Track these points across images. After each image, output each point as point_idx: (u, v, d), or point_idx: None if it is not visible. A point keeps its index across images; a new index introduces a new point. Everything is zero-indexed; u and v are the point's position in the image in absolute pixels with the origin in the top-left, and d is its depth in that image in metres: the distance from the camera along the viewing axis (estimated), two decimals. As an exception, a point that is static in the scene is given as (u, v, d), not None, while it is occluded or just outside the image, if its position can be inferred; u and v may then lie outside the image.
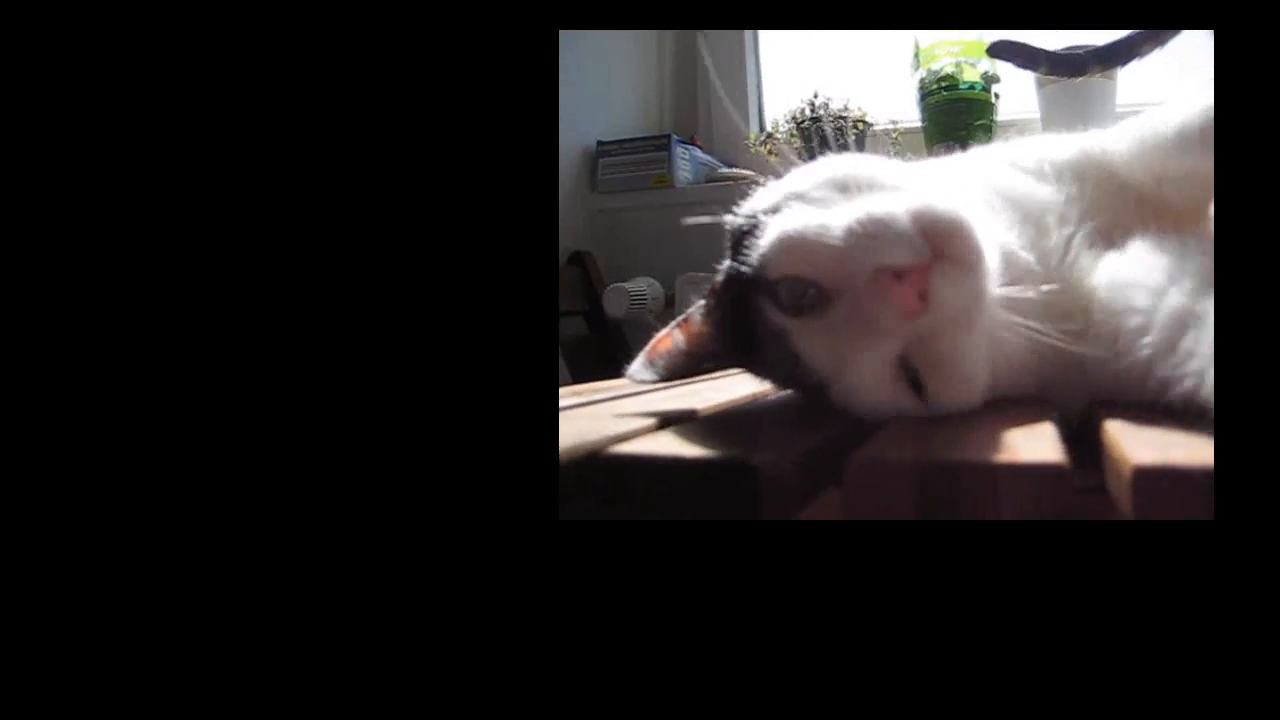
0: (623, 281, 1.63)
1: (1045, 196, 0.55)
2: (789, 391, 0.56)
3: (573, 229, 1.68)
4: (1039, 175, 0.56)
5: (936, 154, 1.55)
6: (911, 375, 0.46)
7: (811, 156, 1.87)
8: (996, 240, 0.50)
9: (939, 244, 0.44)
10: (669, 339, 0.58)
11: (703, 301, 0.56)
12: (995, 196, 0.54)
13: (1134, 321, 0.46)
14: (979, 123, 1.55)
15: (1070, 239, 0.53)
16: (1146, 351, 0.44)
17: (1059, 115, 1.51)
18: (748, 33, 1.91)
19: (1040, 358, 0.50)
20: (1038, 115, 1.57)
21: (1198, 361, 0.41)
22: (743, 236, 0.51)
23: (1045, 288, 0.49)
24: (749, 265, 0.49)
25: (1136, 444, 0.36)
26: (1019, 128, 1.61)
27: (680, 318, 0.58)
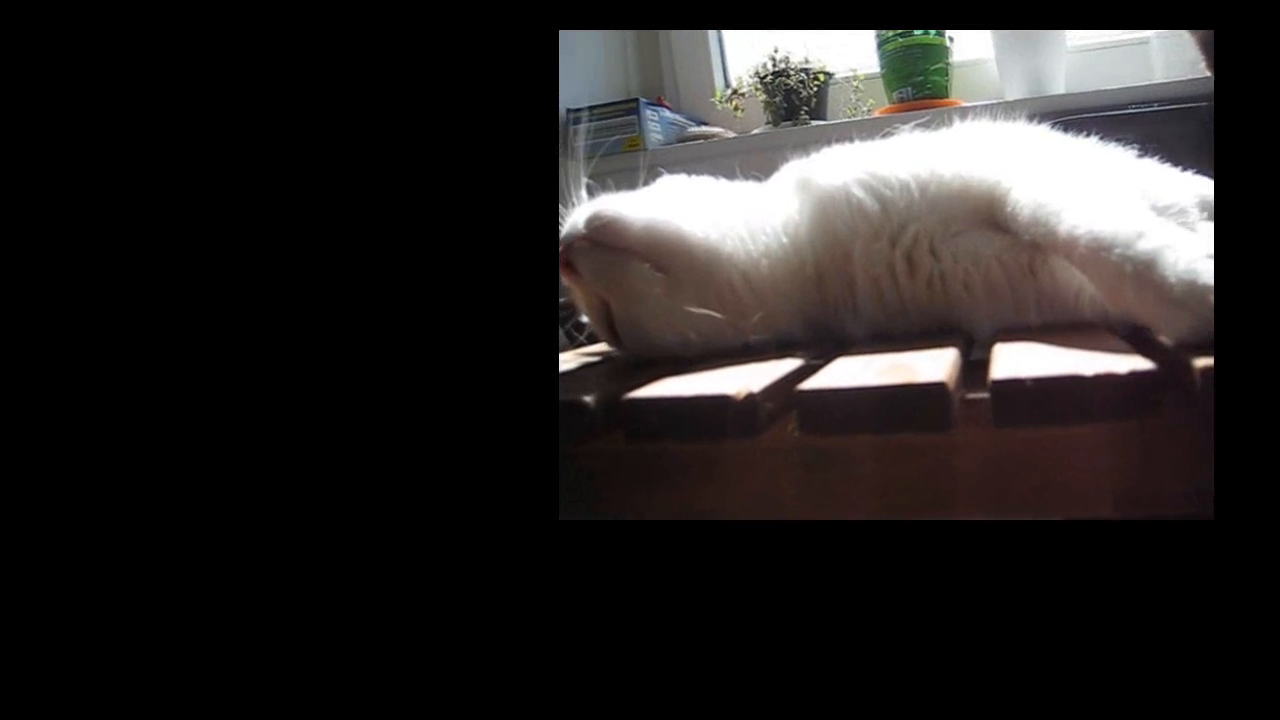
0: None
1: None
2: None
3: (549, 197, 1.70)
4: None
5: (896, 100, 1.60)
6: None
7: (778, 110, 1.89)
8: (693, 243, 0.61)
9: (592, 231, 0.60)
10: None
11: None
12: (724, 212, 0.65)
13: None
14: (934, 67, 1.60)
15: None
16: None
17: (1012, 58, 1.56)
18: (707, -9, 1.94)
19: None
20: (993, 58, 1.62)
21: None
22: None
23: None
24: None
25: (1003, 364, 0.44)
26: (972, 68, 1.66)
27: None
